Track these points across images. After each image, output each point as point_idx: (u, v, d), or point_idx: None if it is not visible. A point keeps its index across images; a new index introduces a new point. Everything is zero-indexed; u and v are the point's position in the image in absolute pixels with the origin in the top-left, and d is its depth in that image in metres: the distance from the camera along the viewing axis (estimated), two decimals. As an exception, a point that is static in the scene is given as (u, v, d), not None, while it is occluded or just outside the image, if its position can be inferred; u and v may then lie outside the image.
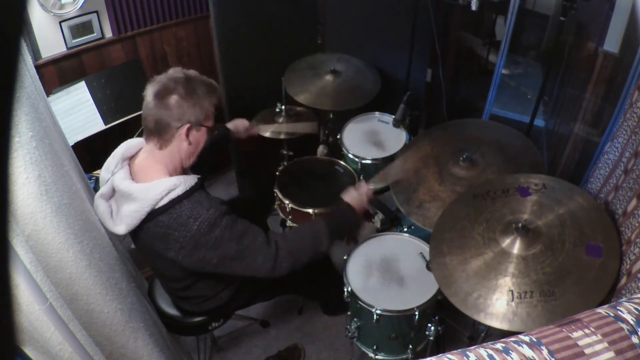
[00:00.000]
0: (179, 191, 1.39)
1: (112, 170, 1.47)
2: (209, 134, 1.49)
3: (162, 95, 1.38)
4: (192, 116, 1.40)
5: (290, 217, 2.08)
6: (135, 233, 1.46)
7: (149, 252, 1.49)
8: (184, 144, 1.43)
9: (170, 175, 1.44)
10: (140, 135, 1.51)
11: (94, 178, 2.33)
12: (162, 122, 1.39)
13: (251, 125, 2.08)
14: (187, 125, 1.40)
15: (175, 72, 1.43)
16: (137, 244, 1.54)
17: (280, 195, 2.08)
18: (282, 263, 1.47)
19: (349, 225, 1.68)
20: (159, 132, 1.41)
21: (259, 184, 2.27)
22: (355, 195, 1.68)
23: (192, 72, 1.46)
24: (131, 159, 1.52)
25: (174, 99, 1.38)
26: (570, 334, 0.84)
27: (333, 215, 1.65)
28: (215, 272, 1.48)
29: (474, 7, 1.99)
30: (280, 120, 2.40)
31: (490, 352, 0.83)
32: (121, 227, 1.41)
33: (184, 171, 1.51)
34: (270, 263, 1.46)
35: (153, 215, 1.39)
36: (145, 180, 1.42)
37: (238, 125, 2.04)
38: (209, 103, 1.45)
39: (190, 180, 1.43)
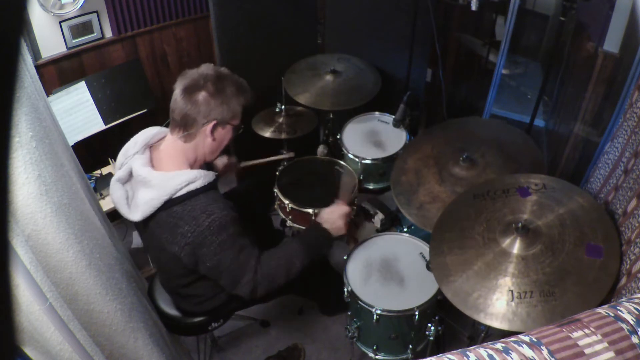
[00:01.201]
0: (198, 184, 1.40)
1: (130, 155, 1.48)
2: (234, 131, 1.52)
3: (190, 90, 1.40)
4: (218, 114, 1.43)
5: (290, 217, 2.08)
6: (146, 222, 1.47)
7: (156, 242, 1.50)
8: (208, 139, 1.46)
9: (191, 167, 1.46)
10: (167, 126, 1.53)
11: (94, 178, 2.34)
12: (189, 117, 1.41)
13: (230, 161, 1.98)
14: (213, 122, 1.43)
15: (206, 68, 1.45)
16: (145, 234, 1.55)
17: (280, 195, 2.08)
18: (259, 287, 1.49)
19: (322, 247, 1.70)
20: (185, 126, 1.43)
21: (259, 184, 2.27)
22: (327, 216, 1.69)
23: (224, 70, 1.48)
24: (152, 146, 1.52)
25: (202, 95, 1.40)
26: (570, 334, 0.84)
27: (304, 236, 1.67)
28: (206, 273, 1.49)
29: (474, 7, 1.99)
30: (280, 120, 2.40)
31: (490, 352, 0.83)
32: (137, 214, 1.42)
33: (203, 165, 1.53)
34: (250, 286, 1.48)
35: (168, 204, 1.40)
36: (165, 169, 1.44)
37: (217, 162, 1.95)
38: (237, 102, 1.46)
39: (210, 176, 1.45)
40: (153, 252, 1.62)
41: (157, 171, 1.42)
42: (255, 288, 1.49)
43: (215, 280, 1.53)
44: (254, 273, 1.47)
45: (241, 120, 1.52)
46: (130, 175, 1.48)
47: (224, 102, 1.43)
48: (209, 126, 1.43)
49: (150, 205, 1.39)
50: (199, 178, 1.41)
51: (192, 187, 1.40)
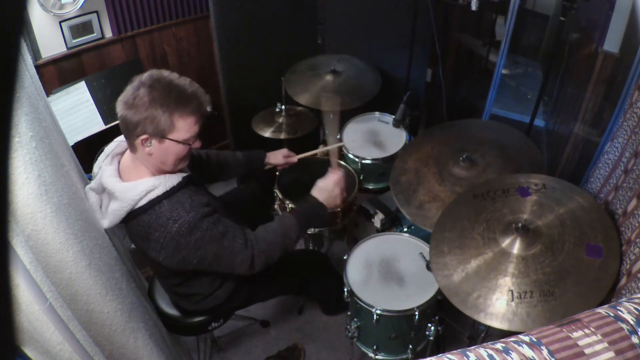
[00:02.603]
0: (158, 192, 1.39)
1: (100, 166, 1.48)
2: (184, 146, 1.39)
3: (125, 99, 1.34)
4: (148, 127, 1.32)
5: (290, 217, 2.08)
6: (126, 229, 1.49)
7: (137, 248, 1.52)
8: (144, 153, 1.38)
9: (154, 175, 1.43)
10: None
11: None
12: (123, 126, 1.37)
13: (289, 153, 2.08)
14: (144, 136, 1.34)
15: (148, 76, 1.35)
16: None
17: (280, 195, 2.08)
18: (257, 262, 1.51)
19: (317, 217, 1.68)
20: (125, 135, 1.40)
21: (259, 183, 2.27)
22: (321, 187, 1.67)
23: (166, 79, 1.35)
24: (122, 154, 1.52)
25: (132, 105, 1.32)
26: (570, 334, 0.84)
27: (300, 210, 1.66)
28: (196, 269, 1.50)
29: (474, 7, 1.99)
30: (280, 120, 2.40)
31: (490, 352, 0.83)
32: (105, 222, 1.43)
33: (185, 169, 1.51)
34: (247, 263, 1.49)
35: (134, 214, 1.40)
36: (129, 179, 1.43)
37: (277, 155, 2.06)
38: (171, 116, 1.33)
39: (172, 180, 1.42)
40: (143, 256, 1.63)
41: (120, 182, 1.41)
42: (253, 263, 1.50)
43: (210, 272, 1.54)
44: (246, 249, 1.47)
45: (193, 135, 1.39)
46: (102, 186, 1.47)
47: (153, 116, 1.31)
48: (140, 140, 1.34)
49: (115, 215, 1.40)
50: (159, 185, 1.39)
51: (152, 195, 1.38)
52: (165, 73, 1.38)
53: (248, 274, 1.53)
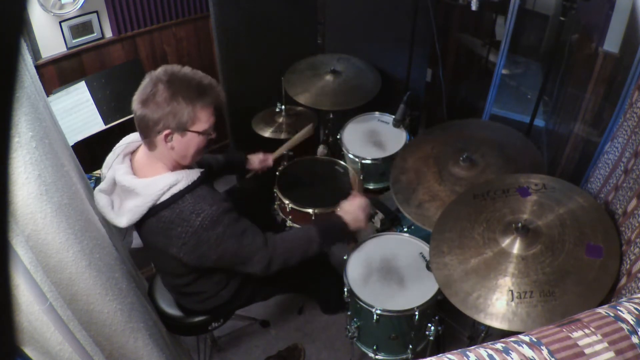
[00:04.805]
0: (180, 186, 1.39)
1: (110, 165, 1.47)
2: (203, 137, 1.42)
3: (142, 96, 1.34)
4: (171, 121, 1.34)
5: (290, 217, 2.08)
6: (139, 228, 1.47)
7: (151, 247, 1.51)
8: (167, 148, 1.39)
9: (171, 170, 1.43)
10: None
11: (94, 178, 2.33)
12: (142, 124, 1.36)
13: (264, 157, 2.08)
14: (166, 131, 1.35)
15: (162, 72, 1.36)
16: (141, 239, 1.56)
17: (280, 195, 2.08)
18: (274, 264, 1.51)
19: (340, 237, 1.69)
20: (143, 134, 1.39)
21: (259, 184, 2.27)
22: (347, 209, 1.67)
23: (181, 72, 1.37)
24: (132, 154, 1.51)
25: (152, 102, 1.33)
26: (570, 334, 0.84)
27: (325, 226, 1.66)
28: (214, 267, 1.50)
29: (474, 7, 1.99)
30: (280, 120, 2.40)
31: (490, 352, 0.83)
32: (123, 220, 1.41)
33: (188, 166, 1.50)
34: (264, 263, 1.49)
35: (155, 210, 1.39)
36: (145, 176, 1.42)
37: (253, 158, 2.06)
38: (194, 107, 1.35)
39: (193, 174, 1.43)
40: (152, 255, 1.62)
41: (139, 178, 1.40)
42: (270, 264, 1.50)
43: (225, 270, 1.54)
44: (265, 250, 1.48)
45: (211, 126, 1.41)
46: (113, 186, 1.47)
47: (176, 109, 1.32)
48: (162, 135, 1.35)
49: (135, 212, 1.38)
50: (181, 179, 1.39)
51: (175, 190, 1.38)
52: (177, 67, 1.38)
53: (261, 275, 1.52)
